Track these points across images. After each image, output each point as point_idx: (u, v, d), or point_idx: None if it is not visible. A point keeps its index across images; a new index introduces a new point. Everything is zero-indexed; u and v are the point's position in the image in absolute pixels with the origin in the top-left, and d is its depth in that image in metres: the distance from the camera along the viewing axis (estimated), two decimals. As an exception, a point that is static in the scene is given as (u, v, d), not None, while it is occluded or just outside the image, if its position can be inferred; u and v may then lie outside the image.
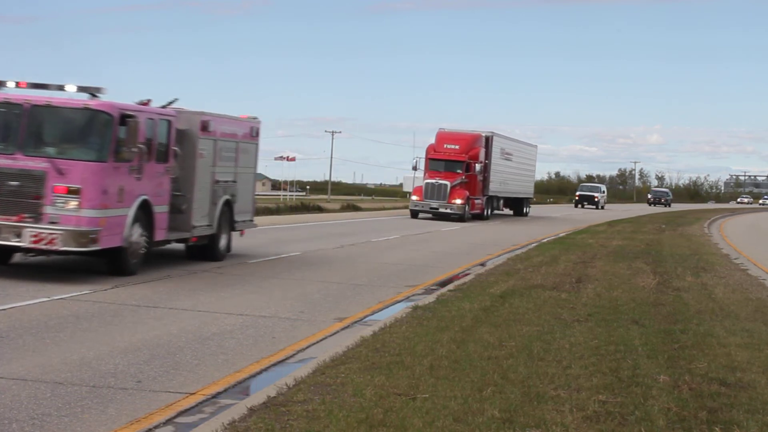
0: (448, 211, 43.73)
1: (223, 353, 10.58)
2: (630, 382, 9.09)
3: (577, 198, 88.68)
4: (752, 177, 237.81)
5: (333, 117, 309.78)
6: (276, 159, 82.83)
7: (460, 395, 8.23)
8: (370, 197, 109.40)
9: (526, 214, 57.49)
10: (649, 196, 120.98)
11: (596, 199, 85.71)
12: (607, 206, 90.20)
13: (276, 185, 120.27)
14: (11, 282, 14.69)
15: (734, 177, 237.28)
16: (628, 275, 19.77)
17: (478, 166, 45.68)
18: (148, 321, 12.23)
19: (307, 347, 11.21)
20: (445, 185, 44.06)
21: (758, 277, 21.39)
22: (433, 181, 44.47)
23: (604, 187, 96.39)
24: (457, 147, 45.93)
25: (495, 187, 49.40)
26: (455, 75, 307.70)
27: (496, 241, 32.44)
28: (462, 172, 45.15)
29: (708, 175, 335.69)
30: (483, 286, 16.54)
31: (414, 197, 45.62)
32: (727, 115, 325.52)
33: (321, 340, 11.70)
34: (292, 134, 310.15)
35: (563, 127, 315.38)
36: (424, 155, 46.95)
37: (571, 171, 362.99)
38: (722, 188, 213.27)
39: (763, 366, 10.23)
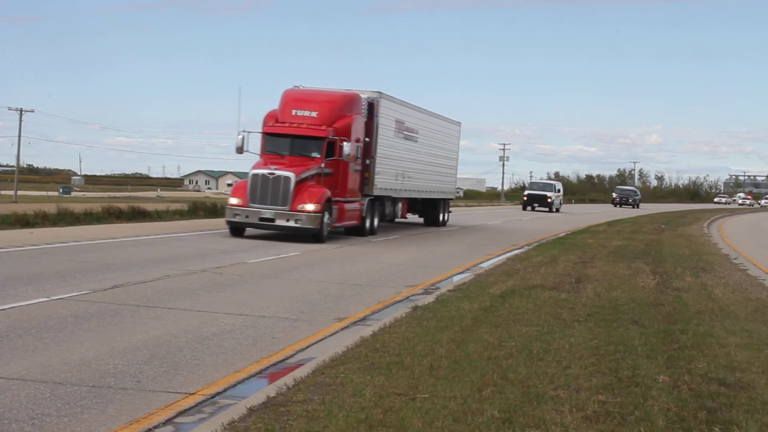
0: (291, 223, 26.05)
1: (222, 353, 10.57)
2: (629, 382, 9.09)
3: (525, 198, 73.40)
4: (752, 177, 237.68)
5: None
6: None
7: (460, 395, 8.22)
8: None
9: (443, 223, 40.28)
10: (614, 195, 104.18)
11: (549, 200, 70.94)
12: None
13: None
14: (11, 282, 14.69)
15: (734, 177, 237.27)
16: (627, 275, 19.76)
17: (349, 147, 27.78)
18: (148, 321, 12.23)
19: (306, 347, 11.20)
20: (286, 179, 26.21)
21: (758, 277, 21.39)
22: (265, 171, 26.41)
23: (559, 185, 79.05)
24: (314, 114, 28.03)
25: (386, 182, 32.22)
26: (455, 75, 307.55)
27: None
28: (320, 157, 27.32)
29: (708, 175, 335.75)
30: (483, 287, 16.54)
31: (233, 200, 26.65)
32: (727, 115, 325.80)
33: (321, 340, 11.69)
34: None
35: (563, 127, 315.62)
36: (262, 129, 28.70)
37: (570, 171, 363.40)
38: (722, 188, 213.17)
39: (762, 366, 10.23)
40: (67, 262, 17.99)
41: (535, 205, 70.91)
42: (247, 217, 26.33)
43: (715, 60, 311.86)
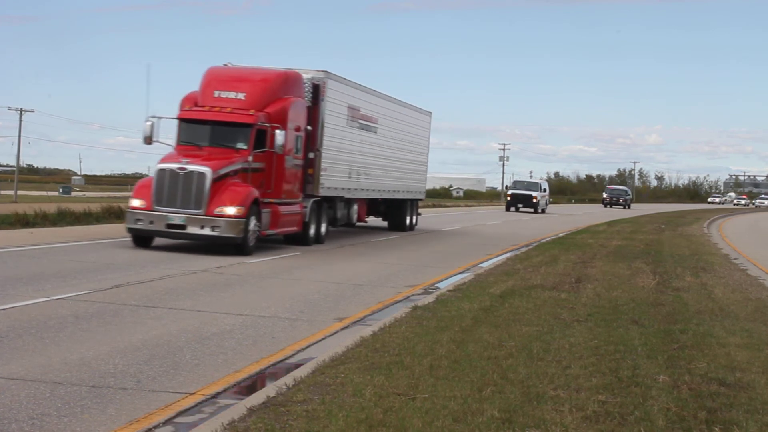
0: (207, 231, 21.04)
1: (222, 353, 10.57)
2: (629, 382, 9.09)
3: (508, 198, 68.91)
4: (752, 177, 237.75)
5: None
6: None
7: (460, 395, 8.22)
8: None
9: (411, 227, 35.41)
10: (605, 195, 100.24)
11: (535, 200, 66.73)
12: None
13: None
14: (11, 282, 14.69)
15: (734, 177, 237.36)
16: (627, 275, 19.77)
17: (283, 137, 22.51)
18: (148, 321, 12.23)
19: (306, 347, 11.20)
20: (200, 175, 21.18)
21: (758, 277, 21.40)
22: (175, 165, 21.39)
23: (545, 184, 74.60)
24: (240, 96, 22.99)
25: (336, 179, 27.08)
26: (455, 75, 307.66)
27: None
28: (247, 149, 22.33)
29: (708, 175, 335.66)
30: (482, 286, 16.54)
31: (135, 201, 21.59)
32: (727, 115, 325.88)
33: (321, 340, 11.69)
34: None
35: (563, 127, 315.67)
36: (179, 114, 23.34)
37: (570, 171, 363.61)
38: (722, 188, 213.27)
39: (762, 366, 10.23)
40: (67, 262, 17.99)
41: (520, 205, 66.99)
42: (151, 223, 21.16)
43: (715, 60, 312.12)
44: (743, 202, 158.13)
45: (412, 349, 10.27)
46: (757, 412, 8.20)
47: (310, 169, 25.15)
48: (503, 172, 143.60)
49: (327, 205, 26.72)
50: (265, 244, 24.31)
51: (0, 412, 7.64)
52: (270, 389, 8.45)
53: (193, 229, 21.07)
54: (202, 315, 12.95)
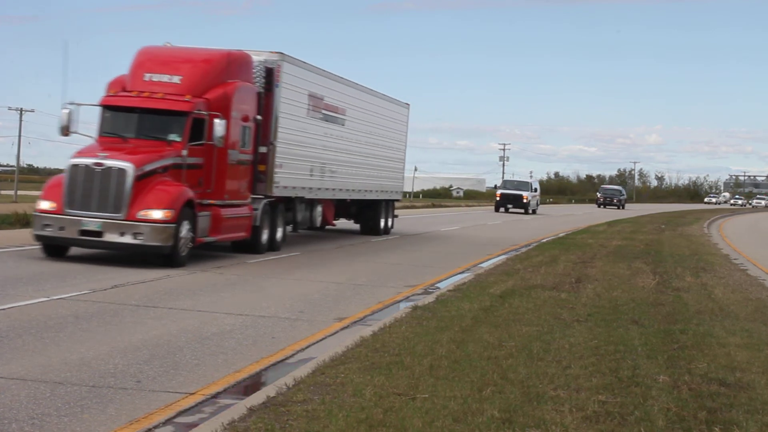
0: (128, 239, 17.78)
1: (222, 353, 10.57)
2: (630, 382, 9.09)
3: (498, 198, 65.39)
4: (752, 177, 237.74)
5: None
6: None
7: (460, 395, 8.22)
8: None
9: (386, 231, 32.19)
10: (598, 195, 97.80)
11: (525, 200, 63.64)
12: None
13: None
14: (11, 282, 14.69)
15: (734, 177, 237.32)
16: (627, 275, 19.77)
17: (222, 127, 19.20)
18: (148, 321, 12.23)
19: (306, 347, 11.20)
20: (120, 172, 17.90)
21: (758, 278, 21.41)
22: (90, 161, 18.14)
23: (536, 184, 71.47)
24: (175, 80, 19.73)
25: (294, 177, 23.84)
26: (455, 75, 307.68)
27: None
28: (182, 142, 19.01)
29: (708, 175, 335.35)
30: (483, 286, 16.55)
31: (44, 203, 18.33)
32: (727, 115, 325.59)
33: (321, 340, 11.70)
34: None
35: (563, 127, 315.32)
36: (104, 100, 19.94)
37: (570, 171, 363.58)
38: (722, 188, 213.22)
39: (762, 366, 10.23)
40: (67, 261, 17.98)
41: (509, 206, 63.78)
42: (62, 229, 17.85)
43: (715, 60, 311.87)
44: (740, 202, 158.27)
45: (412, 349, 10.27)
46: (757, 412, 8.20)
47: (261, 165, 22.03)
48: (503, 172, 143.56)
49: (284, 206, 23.61)
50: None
51: (0, 412, 7.64)
52: (270, 389, 8.45)
53: (111, 237, 17.71)
54: (202, 315, 12.95)
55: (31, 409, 7.79)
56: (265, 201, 22.00)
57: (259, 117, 21.62)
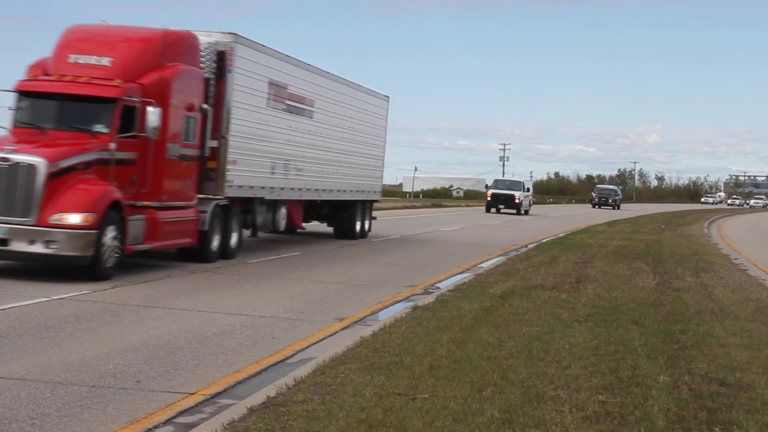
0: (39, 248, 14.93)
1: (222, 353, 10.57)
2: (630, 382, 9.09)
3: (489, 199, 62.77)
4: (752, 177, 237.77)
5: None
6: None
7: (460, 395, 8.22)
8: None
9: (362, 235, 29.20)
10: (593, 195, 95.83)
11: (517, 201, 61.14)
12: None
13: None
14: (11, 282, 14.69)
15: (734, 177, 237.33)
16: (627, 275, 19.77)
17: (157, 116, 16.49)
18: (148, 321, 12.23)
19: (306, 347, 11.20)
20: (29, 169, 15.09)
21: (758, 278, 21.41)
22: None
23: (529, 184, 69.43)
24: (105, 62, 16.98)
25: (251, 175, 21.11)
26: (455, 75, 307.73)
27: None
28: (109, 134, 16.35)
29: (708, 176, 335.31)
30: (483, 287, 16.54)
31: None
32: (727, 115, 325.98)
33: (321, 340, 11.69)
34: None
35: (563, 127, 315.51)
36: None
37: (570, 171, 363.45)
38: (722, 188, 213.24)
39: (762, 366, 10.23)
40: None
41: (501, 206, 61.45)
42: None
43: (715, 60, 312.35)
44: (737, 202, 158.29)
45: (412, 349, 10.27)
46: (757, 412, 8.20)
47: (211, 162, 19.28)
48: (503, 172, 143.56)
49: (240, 208, 20.94)
50: (266, 244, 24.24)
51: (0, 412, 7.64)
52: (270, 389, 8.45)
53: (18, 245, 14.96)
54: (202, 315, 12.95)
55: (31, 409, 7.79)
56: (215, 202, 19.36)
57: (205, 106, 18.90)
